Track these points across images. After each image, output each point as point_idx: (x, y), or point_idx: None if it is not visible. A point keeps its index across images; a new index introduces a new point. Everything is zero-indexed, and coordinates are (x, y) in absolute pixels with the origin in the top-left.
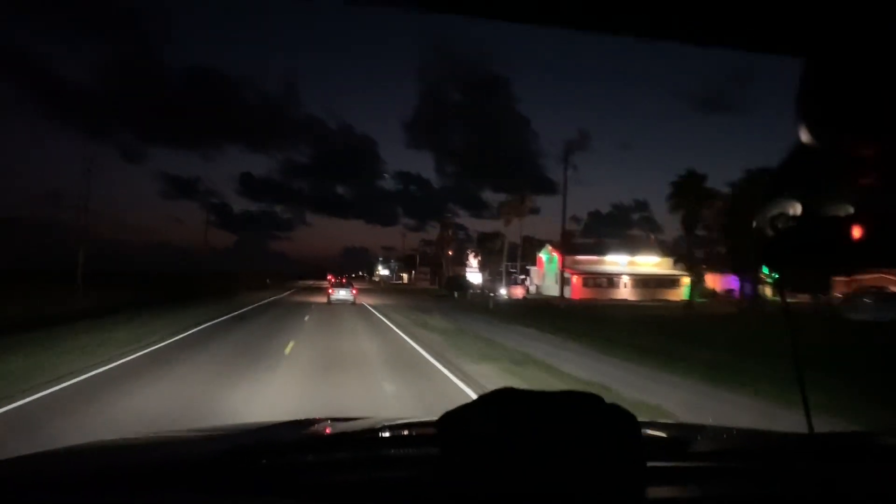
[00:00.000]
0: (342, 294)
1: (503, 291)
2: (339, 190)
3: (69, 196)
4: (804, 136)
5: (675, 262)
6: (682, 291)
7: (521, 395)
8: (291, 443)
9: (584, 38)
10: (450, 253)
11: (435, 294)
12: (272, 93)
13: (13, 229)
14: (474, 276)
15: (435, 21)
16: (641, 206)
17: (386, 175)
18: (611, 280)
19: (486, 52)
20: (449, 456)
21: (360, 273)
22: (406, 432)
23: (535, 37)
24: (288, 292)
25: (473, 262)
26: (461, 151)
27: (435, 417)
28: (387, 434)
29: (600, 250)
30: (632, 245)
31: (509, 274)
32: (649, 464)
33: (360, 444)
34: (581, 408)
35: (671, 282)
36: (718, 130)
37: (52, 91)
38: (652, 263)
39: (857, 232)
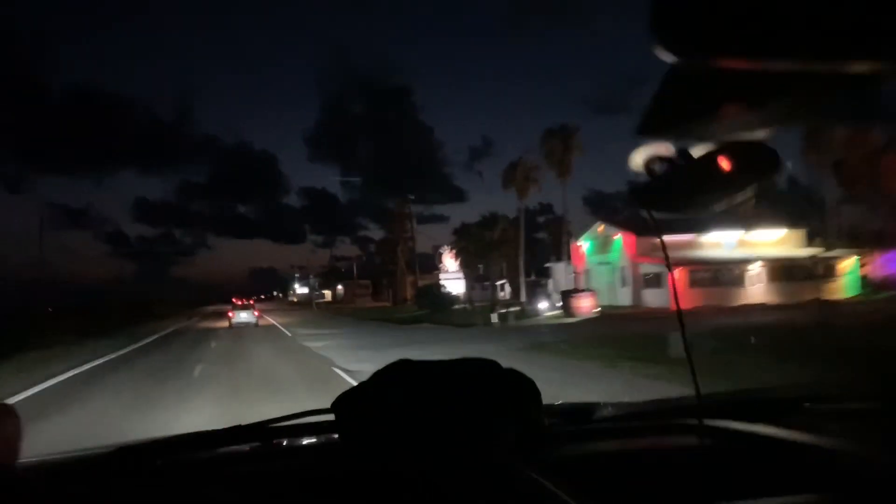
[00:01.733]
0: (243, 317)
1: (543, 305)
2: (241, 210)
3: None
4: (661, 55)
5: (811, 238)
6: (841, 284)
7: (417, 366)
8: (187, 441)
9: (483, 46)
10: (409, 250)
11: (401, 317)
12: (163, 111)
13: None
14: (454, 283)
15: (329, 30)
16: (546, 209)
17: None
18: (729, 273)
19: (383, 61)
20: (345, 438)
21: (275, 293)
22: (303, 420)
23: (433, 44)
24: (178, 325)
25: (451, 263)
26: (365, 163)
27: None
28: (283, 424)
29: (690, 226)
30: (736, 213)
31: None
32: (550, 428)
33: (255, 437)
34: (479, 373)
35: (824, 269)
36: (615, 131)
37: None
38: (774, 241)
39: (725, 164)
